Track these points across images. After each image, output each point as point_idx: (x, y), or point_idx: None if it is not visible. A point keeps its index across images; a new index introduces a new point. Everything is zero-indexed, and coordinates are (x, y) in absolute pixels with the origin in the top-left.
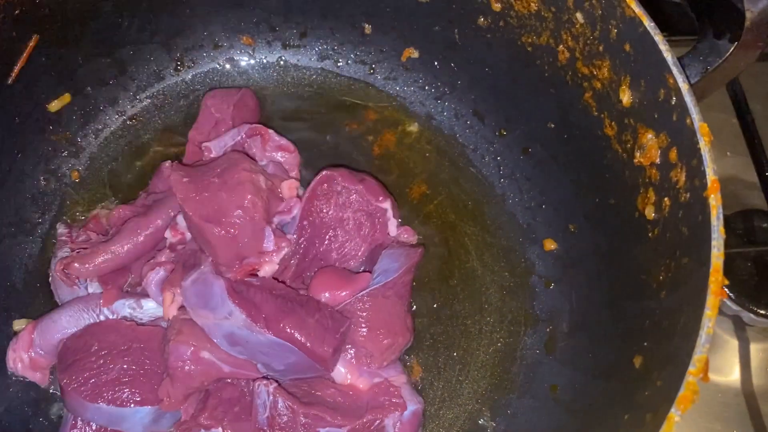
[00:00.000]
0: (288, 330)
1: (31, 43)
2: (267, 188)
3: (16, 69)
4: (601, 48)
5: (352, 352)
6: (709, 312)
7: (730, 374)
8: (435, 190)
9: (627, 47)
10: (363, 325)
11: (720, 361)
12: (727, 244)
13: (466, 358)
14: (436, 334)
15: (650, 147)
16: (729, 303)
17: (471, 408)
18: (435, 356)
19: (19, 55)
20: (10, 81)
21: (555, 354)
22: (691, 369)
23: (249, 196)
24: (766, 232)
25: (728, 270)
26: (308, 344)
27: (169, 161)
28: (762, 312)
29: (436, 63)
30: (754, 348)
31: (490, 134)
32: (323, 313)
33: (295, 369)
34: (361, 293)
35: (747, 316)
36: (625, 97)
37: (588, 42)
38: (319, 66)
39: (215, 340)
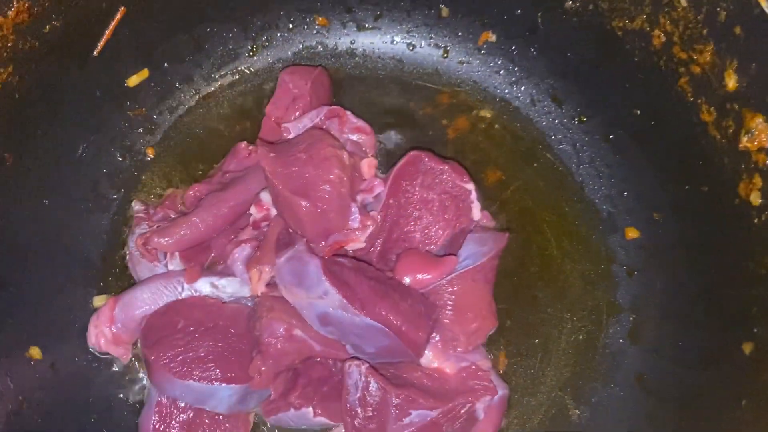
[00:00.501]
0: (383, 313)
1: (118, 15)
2: (350, 165)
3: (103, 40)
4: (704, 32)
5: (438, 335)
6: None
7: None
8: (511, 175)
9: (737, 30)
10: (450, 309)
11: None
12: None
13: (548, 346)
14: (517, 320)
15: (760, 131)
16: None
17: (554, 395)
18: (517, 343)
19: (106, 26)
20: (96, 53)
21: (640, 343)
22: None
23: (336, 171)
24: None
25: None
26: (403, 328)
27: (245, 141)
28: None
29: (514, 48)
30: None
31: (569, 121)
32: (415, 298)
33: (385, 353)
34: (450, 276)
35: None
36: (731, 82)
37: (690, 26)
38: (393, 48)
39: (307, 320)
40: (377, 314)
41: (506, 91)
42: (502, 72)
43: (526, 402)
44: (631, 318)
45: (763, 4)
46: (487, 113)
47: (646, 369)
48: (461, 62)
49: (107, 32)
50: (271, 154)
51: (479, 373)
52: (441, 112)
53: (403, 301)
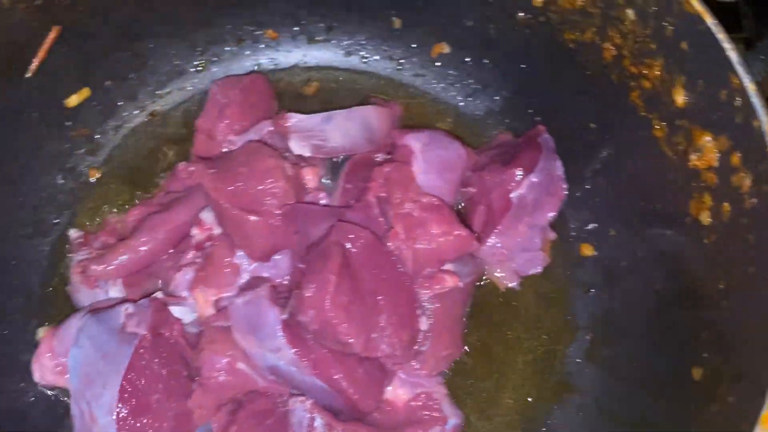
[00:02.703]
0: (336, 378)
1: (52, 35)
2: (293, 175)
3: (36, 61)
4: (653, 46)
5: None
6: None
7: None
8: None
9: (684, 45)
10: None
11: None
12: None
13: (503, 368)
14: (472, 342)
15: (708, 150)
16: None
17: (510, 419)
18: (472, 365)
19: (39, 47)
20: (29, 74)
21: (597, 363)
22: None
23: (281, 183)
24: None
25: None
26: (355, 396)
27: (185, 162)
28: None
29: (468, 59)
30: None
31: (522, 132)
32: (372, 363)
33: (331, 408)
34: (433, 293)
35: None
36: (679, 98)
37: (638, 40)
38: (346, 61)
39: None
40: (329, 377)
41: (461, 103)
42: (457, 84)
43: (481, 426)
44: (587, 337)
45: (708, 21)
46: (444, 126)
47: (602, 390)
48: (416, 74)
49: (40, 53)
50: (210, 171)
51: (429, 403)
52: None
53: (359, 365)
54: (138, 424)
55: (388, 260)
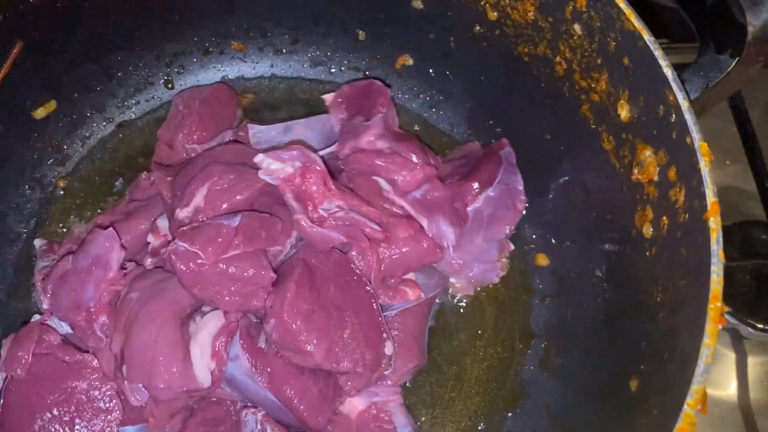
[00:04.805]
0: (289, 394)
1: (15, 50)
2: None
3: (0, 76)
4: (599, 61)
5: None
6: (708, 341)
7: (727, 388)
8: None
9: (626, 61)
10: (396, 342)
11: (717, 374)
12: (725, 257)
13: (459, 374)
14: (428, 349)
15: (648, 164)
16: (727, 316)
17: (464, 425)
18: (427, 372)
19: (2, 61)
20: None
21: (549, 371)
22: (688, 400)
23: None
24: (764, 243)
25: (726, 282)
26: (305, 414)
27: (146, 172)
28: (760, 326)
29: (431, 71)
30: (752, 361)
31: (484, 145)
32: (327, 382)
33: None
34: (401, 308)
35: (745, 329)
36: (624, 112)
37: (586, 54)
38: (313, 72)
39: None
40: (281, 392)
41: (425, 114)
42: (421, 95)
43: None
44: (542, 345)
45: (646, 37)
46: None
47: (554, 397)
48: None
49: (4, 67)
50: (168, 179)
51: (380, 415)
52: None
53: (314, 384)
54: None
55: (356, 279)
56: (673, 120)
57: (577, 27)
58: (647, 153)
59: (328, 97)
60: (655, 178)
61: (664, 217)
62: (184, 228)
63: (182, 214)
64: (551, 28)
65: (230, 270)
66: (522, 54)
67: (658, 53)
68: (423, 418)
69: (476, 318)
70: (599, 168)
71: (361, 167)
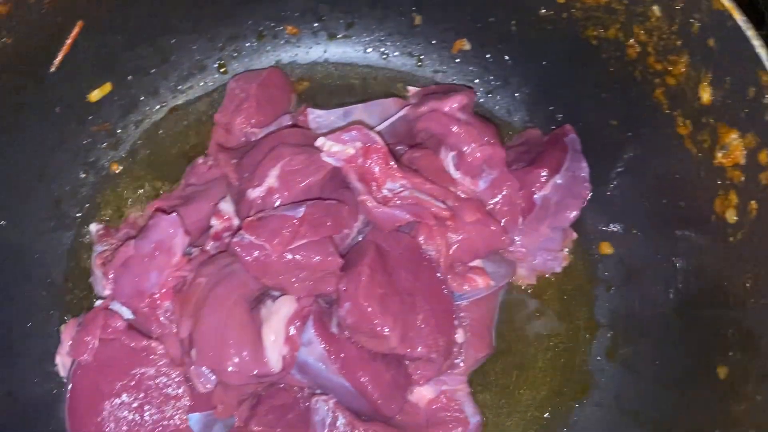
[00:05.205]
0: (363, 380)
1: (76, 29)
2: None
3: (60, 56)
4: (678, 43)
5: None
6: None
7: None
8: None
9: (711, 42)
10: (468, 332)
11: None
12: None
13: (523, 364)
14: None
15: (734, 147)
16: None
17: (530, 415)
18: (492, 361)
19: (63, 41)
20: (53, 68)
21: (617, 361)
22: None
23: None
24: None
25: None
26: (379, 401)
27: (202, 156)
28: None
29: (488, 56)
30: None
31: (544, 130)
32: (399, 370)
33: (353, 409)
34: (475, 297)
35: None
36: (705, 95)
37: (664, 36)
38: (366, 57)
39: None
40: (355, 378)
41: (482, 100)
42: (477, 81)
43: (500, 423)
44: (608, 335)
45: (737, 17)
46: None
47: (623, 388)
48: (436, 71)
49: (64, 47)
50: (233, 161)
51: (451, 404)
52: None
53: (387, 371)
54: None
55: (426, 264)
56: (765, 101)
57: (655, 8)
58: (732, 136)
59: (413, 89)
60: (742, 162)
61: (753, 202)
62: (251, 218)
63: (254, 194)
64: (626, 10)
65: (296, 258)
66: (590, 38)
67: (750, 33)
68: (488, 408)
69: (540, 307)
70: (671, 153)
71: (435, 127)
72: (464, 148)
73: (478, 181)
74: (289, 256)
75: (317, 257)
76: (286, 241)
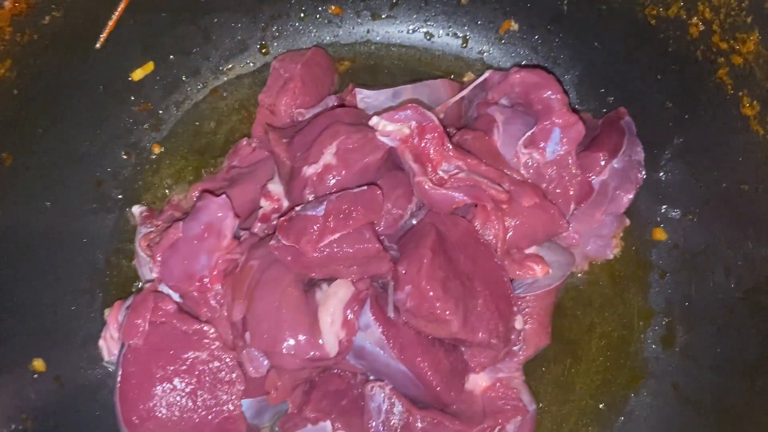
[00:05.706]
0: (422, 365)
1: (122, 5)
2: None
3: (106, 32)
4: (749, 20)
5: None
6: None
7: None
8: None
9: None
10: (530, 323)
11: None
12: None
13: (577, 353)
14: None
15: None
16: None
17: (584, 404)
18: (544, 349)
19: (108, 18)
20: (98, 45)
21: (674, 349)
22: None
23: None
24: None
25: None
26: (438, 387)
27: (247, 138)
28: None
29: (537, 36)
30: None
31: (595, 115)
32: (456, 357)
33: (409, 396)
34: (543, 290)
35: None
36: None
37: (732, 13)
38: (410, 38)
39: None
40: (414, 363)
41: None
42: (524, 62)
43: (555, 411)
44: (664, 322)
45: None
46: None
47: (681, 376)
48: (481, 52)
49: (110, 23)
50: (284, 140)
51: (508, 392)
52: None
53: (446, 357)
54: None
55: (484, 249)
56: None
57: None
58: None
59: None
60: None
61: None
62: (283, 219)
63: (310, 170)
64: None
65: (332, 252)
66: (649, 17)
67: None
68: (541, 395)
69: (592, 295)
70: (734, 135)
71: (513, 92)
72: (553, 117)
73: (545, 153)
74: (325, 251)
75: (353, 247)
76: (315, 240)
